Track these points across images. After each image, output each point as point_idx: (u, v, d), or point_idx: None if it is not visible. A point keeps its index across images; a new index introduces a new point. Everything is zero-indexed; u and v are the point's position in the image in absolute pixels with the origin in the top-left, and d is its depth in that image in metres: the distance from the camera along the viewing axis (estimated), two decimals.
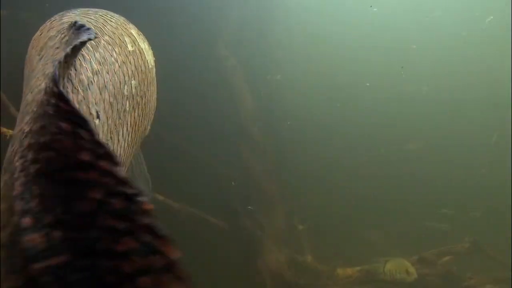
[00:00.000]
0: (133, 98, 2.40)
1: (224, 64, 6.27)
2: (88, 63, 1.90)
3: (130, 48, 2.48)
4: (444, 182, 7.75)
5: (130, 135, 2.38)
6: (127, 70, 2.36)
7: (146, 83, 2.65)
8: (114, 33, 2.39)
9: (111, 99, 2.06)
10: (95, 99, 1.85)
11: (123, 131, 2.25)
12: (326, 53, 7.81)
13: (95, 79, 1.90)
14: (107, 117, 2.00)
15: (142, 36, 2.79)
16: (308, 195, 6.59)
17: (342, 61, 7.92)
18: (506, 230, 6.30)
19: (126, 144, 2.31)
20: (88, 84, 1.81)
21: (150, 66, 2.76)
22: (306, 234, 5.92)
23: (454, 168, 7.99)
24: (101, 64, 2.03)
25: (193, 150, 5.68)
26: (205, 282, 4.51)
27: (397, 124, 8.06)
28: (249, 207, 5.44)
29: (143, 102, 2.62)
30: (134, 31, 2.69)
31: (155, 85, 2.96)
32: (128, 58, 2.40)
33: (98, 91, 1.89)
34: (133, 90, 2.41)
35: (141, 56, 2.63)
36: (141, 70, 2.59)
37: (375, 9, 8.40)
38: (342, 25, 8.23)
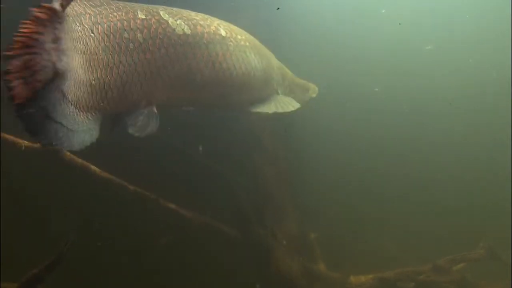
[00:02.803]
0: (132, 45, 3.30)
1: None
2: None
3: (141, 16, 3.45)
4: (457, 189, 7.70)
5: (108, 68, 3.14)
6: (132, 24, 3.33)
7: (160, 47, 3.52)
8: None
9: (109, 33, 3.12)
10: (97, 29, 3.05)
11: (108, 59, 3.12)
12: (339, 58, 7.81)
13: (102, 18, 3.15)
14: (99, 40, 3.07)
15: (180, 18, 3.77)
16: (320, 202, 6.59)
17: (355, 65, 7.92)
18: None
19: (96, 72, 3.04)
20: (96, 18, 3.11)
21: (175, 38, 3.64)
22: (319, 242, 5.92)
23: (468, 176, 7.94)
24: (106, 17, 3.20)
25: (205, 158, 5.71)
26: None
27: (411, 135, 8.04)
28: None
29: (145, 57, 3.41)
30: (164, 11, 3.70)
31: (190, 60, 3.76)
32: (135, 20, 3.38)
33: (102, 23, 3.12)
34: (137, 40, 3.35)
35: (161, 26, 3.56)
36: (156, 33, 3.50)
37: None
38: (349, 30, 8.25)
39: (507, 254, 5.89)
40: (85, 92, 2.95)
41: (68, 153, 4.13)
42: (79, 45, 2.86)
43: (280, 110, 4.73)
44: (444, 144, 8.16)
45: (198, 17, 4.01)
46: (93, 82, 2.99)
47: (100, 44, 3.08)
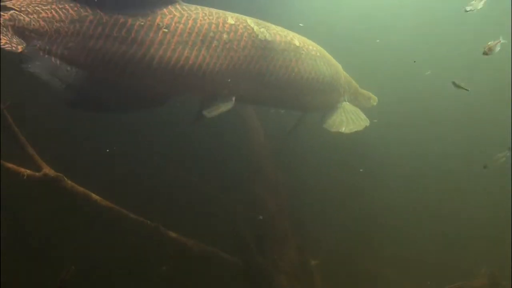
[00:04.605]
0: (217, 42, 4.11)
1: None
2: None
3: (230, 21, 4.26)
4: (458, 215, 7.69)
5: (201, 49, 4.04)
6: (220, 27, 4.16)
7: (244, 47, 4.29)
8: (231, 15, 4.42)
9: (191, 32, 4.00)
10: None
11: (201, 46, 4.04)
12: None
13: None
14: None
15: (263, 27, 4.58)
16: (320, 230, 6.57)
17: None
18: None
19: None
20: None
21: (258, 42, 4.41)
22: (319, 270, 5.88)
23: (470, 201, 7.93)
24: (194, 20, 4.07)
25: (205, 186, 5.74)
26: None
27: (411, 161, 8.08)
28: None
29: (230, 54, 4.19)
30: (251, 20, 4.52)
31: (268, 62, 4.50)
32: (224, 24, 4.21)
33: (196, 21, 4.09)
34: (223, 39, 4.15)
35: (247, 31, 4.35)
36: (242, 36, 4.28)
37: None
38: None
39: (507, 282, 5.86)
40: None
41: (69, 182, 4.16)
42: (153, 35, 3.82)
43: (354, 129, 5.39)
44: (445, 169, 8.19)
45: (278, 28, 4.81)
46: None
47: (174, 38, 3.92)
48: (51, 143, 4.30)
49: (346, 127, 5.38)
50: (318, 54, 5.15)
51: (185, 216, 5.21)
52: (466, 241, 7.33)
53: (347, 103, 5.77)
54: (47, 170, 4.07)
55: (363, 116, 5.66)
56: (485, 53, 4.13)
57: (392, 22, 9.08)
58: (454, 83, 4.38)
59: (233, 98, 4.42)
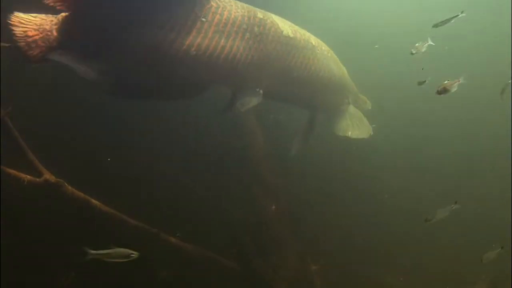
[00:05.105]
0: (249, 34, 4.23)
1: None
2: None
3: (260, 16, 4.39)
4: (459, 221, 7.66)
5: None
6: (252, 20, 4.29)
7: (272, 41, 4.42)
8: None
9: (226, 22, 4.09)
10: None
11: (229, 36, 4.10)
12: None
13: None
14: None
15: (286, 24, 4.68)
16: (321, 235, 6.56)
17: None
18: None
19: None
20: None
21: (282, 38, 4.54)
22: (319, 275, 5.88)
23: (470, 212, 7.90)
24: (229, 11, 4.14)
25: (206, 192, 5.73)
26: None
27: (411, 164, 8.06)
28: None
29: (259, 47, 4.31)
30: (276, 16, 4.65)
31: (291, 58, 4.65)
32: (255, 18, 4.33)
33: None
34: (254, 32, 4.27)
35: (274, 26, 4.47)
36: (270, 31, 4.41)
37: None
38: None
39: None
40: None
41: (70, 187, 4.16)
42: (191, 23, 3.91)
43: (360, 135, 5.57)
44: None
45: (296, 27, 4.93)
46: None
47: (211, 28, 4.00)
48: (51, 148, 4.30)
49: (352, 132, 5.52)
50: (329, 54, 5.33)
51: (184, 221, 5.21)
52: (466, 248, 7.31)
53: (351, 105, 5.89)
54: (48, 175, 4.06)
55: (366, 121, 5.79)
56: (438, 93, 3.99)
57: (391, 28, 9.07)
58: (419, 82, 4.45)
59: (261, 92, 4.54)
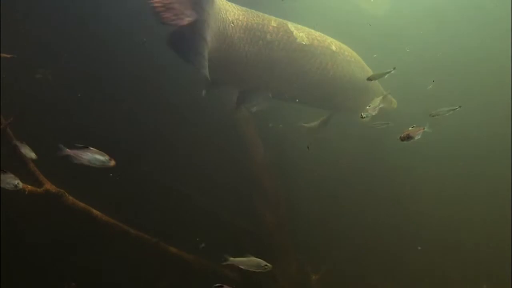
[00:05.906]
0: (262, 42, 4.65)
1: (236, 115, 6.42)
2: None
3: (273, 24, 4.80)
4: (460, 230, 7.66)
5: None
6: (265, 27, 4.70)
7: (283, 48, 4.80)
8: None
9: (245, 29, 4.58)
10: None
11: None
12: None
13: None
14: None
15: (302, 32, 5.04)
16: (321, 244, 6.55)
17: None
18: None
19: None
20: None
21: (296, 45, 4.91)
22: (320, 285, 5.86)
23: (470, 217, 7.90)
24: (247, 18, 4.62)
25: (205, 201, 5.74)
26: None
27: (411, 181, 8.05)
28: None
29: (270, 53, 4.70)
30: (292, 24, 5.02)
31: (304, 64, 5.01)
32: (268, 26, 4.73)
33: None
34: (266, 39, 4.67)
35: (287, 34, 4.84)
36: (282, 38, 4.79)
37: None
38: None
39: None
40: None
41: (70, 197, 4.16)
42: (219, 25, 4.31)
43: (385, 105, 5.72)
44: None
45: (317, 34, 5.29)
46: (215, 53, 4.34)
47: (236, 33, 4.45)
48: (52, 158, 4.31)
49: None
50: (352, 59, 5.58)
51: (184, 230, 5.20)
52: (468, 255, 7.30)
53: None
54: (48, 185, 4.07)
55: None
56: (402, 139, 3.87)
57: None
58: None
59: (270, 95, 4.91)
